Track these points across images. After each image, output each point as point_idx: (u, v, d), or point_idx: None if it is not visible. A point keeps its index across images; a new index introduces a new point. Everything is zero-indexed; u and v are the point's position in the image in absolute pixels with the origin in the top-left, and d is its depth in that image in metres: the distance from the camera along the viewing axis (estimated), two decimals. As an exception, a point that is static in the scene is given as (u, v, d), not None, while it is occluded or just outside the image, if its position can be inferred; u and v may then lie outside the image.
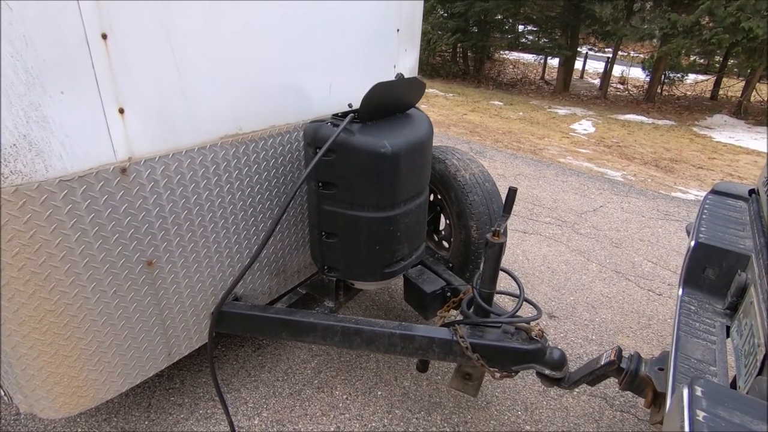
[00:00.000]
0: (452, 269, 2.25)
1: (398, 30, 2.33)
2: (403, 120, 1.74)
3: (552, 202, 4.58)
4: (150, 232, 1.45)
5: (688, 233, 2.26)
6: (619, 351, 1.57)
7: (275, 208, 1.91)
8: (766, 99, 11.84)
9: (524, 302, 1.77)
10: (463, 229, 2.14)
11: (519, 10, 12.26)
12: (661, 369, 1.47)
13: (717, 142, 8.29)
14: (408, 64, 2.54)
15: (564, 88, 12.57)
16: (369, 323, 1.75)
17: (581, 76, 15.36)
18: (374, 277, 1.82)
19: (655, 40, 12.46)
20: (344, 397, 2.13)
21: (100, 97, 1.22)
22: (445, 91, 11.60)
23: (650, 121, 9.70)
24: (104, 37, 1.18)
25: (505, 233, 1.70)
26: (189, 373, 2.20)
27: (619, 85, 13.93)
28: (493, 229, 1.63)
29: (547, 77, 14.66)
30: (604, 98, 12.00)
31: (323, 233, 1.75)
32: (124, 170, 1.32)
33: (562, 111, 10.13)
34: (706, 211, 1.87)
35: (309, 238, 1.95)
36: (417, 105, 1.93)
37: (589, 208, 4.48)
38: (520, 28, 13.85)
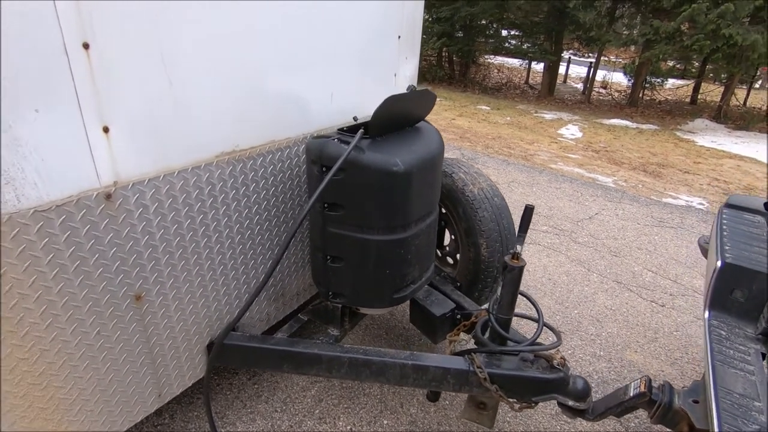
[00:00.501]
0: (460, 288, 2.14)
1: (399, 37, 2.22)
2: (414, 134, 1.62)
3: (548, 209, 4.53)
4: (138, 263, 1.30)
5: (702, 248, 2.20)
6: (649, 381, 1.48)
7: (276, 229, 1.76)
8: (742, 104, 12.15)
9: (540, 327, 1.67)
10: (472, 247, 2.03)
11: (503, 15, 12.33)
12: (695, 401, 1.38)
13: (700, 146, 8.42)
14: (408, 72, 2.43)
15: (549, 92, 12.66)
16: (378, 353, 1.62)
17: (564, 81, 15.53)
18: (383, 303, 1.70)
19: (635, 47, 12.67)
20: (348, 428, 1.99)
21: (81, 114, 1.07)
22: (432, 96, 11.53)
23: (634, 125, 9.82)
24: (86, 46, 1.03)
25: (523, 255, 1.59)
26: (179, 406, 2.03)
27: (602, 90, 14.12)
28: (512, 251, 1.52)
29: (531, 81, 14.78)
30: (588, 102, 12.14)
31: (328, 257, 1.62)
32: (108, 196, 1.17)
33: (548, 116, 10.19)
34: (725, 227, 1.80)
35: (311, 261, 1.81)
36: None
37: (585, 216, 4.43)
38: (504, 33, 13.94)
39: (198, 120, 1.35)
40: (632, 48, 13.46)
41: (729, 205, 1.98)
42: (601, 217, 4.43)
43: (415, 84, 2.53)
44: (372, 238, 1.53)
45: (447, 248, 2.39)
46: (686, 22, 9.02)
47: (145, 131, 1.22)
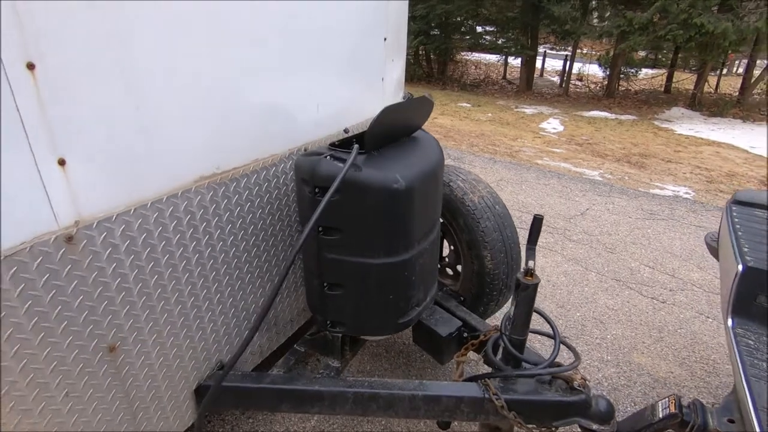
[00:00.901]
0: (464, 303, 2.02)
1: (385, 39, 2.08)
2: (412, 145, 1.49)
3: (539, 207, 4.46)
4: (110, 311, 1.13)
5: (710, 247, 2.12)
6: (678, 400, 1.38)
7: (266, 254, 1.61)
8: (714, 90, 12.42)
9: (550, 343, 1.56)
10: (475, 260, 1.91)
11: (478, 11, 12.31)
12: (731, 421, 1.29)
13: (679, 134, 8.52)
14: (396, 75, 2.29)
15: (527, 87, 12.71)
16: (385, 385, 1.49)
17: (541, 75, 15.64)
18: (387, 330, 1.56)
19: (609, 38, 12.82)
20: (354, 461, 1.85)
21: (29, 146, 0.90)
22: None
23: (613, 116, 9.90)
24: (30, 67, 0.87)
25: (536, 270, 1.48)
26: (167, 451, 1.86)
27: (578, 82, 14.25)
28: (525, 268, 1.41)
29: (509, 77, 14.83)
30: (566, 95, 12.22)
31: (325, 284, 1.47)
32: (70, 238, 1.00)
33: (529, 110, 10.20)
34: (738, 226, 1.72)
35: (305, 287, 1.66)
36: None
37: (577, 212, 4.38)
38: (479, 29, 13.94)
39: (172, 143, 1.19)
40: (605, 40, 13.64)
41: (737, 202, 1.90)
42: (593, 213, 4.38)
43: (403, 88, 2.40)
44: (373, 261, 1.39)
45: (446, 259, 2.27)
46: (658, 12, 9.13)
47: (110, 161, 1.06)
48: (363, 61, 1.94)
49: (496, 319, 2.68)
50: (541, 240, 3.79)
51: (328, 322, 1.55)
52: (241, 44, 1.32)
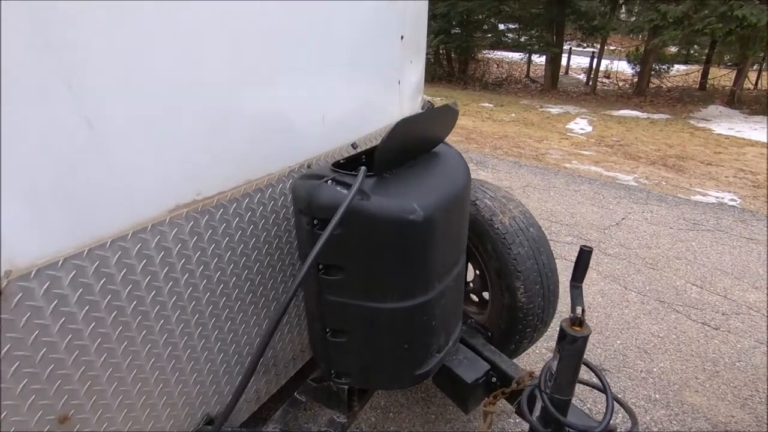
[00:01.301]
0: (492, 339, 1.75)
1: (402, 38, 1.84)
2: (432, 164, 1.24)
3: (569, 216, 4.13)
4: (59, 375, 0.92)
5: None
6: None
7: (261, 288, 1.39)
8: (754, 87, 11.69)
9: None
10: (506, 292, 1.65)
11: (501, 8, 11.92)
12: None
13: (718, 134, 8.00)
14: (414, 78, 2.05)
15: (552, 85, 12.26)
16: (399, 450, 1.24)
17: (566, 72, 15.11)
18: (402, 383, 1.32)
19: (637, 33, 12.25)
20: None
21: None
22: (433, 95, 11.15)
23: (645, 115, 9.40)
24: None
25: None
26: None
27: (605, 80, 13.68)
28: (572, 315, 1.14)
29: (532, 75, 14.36)
30: (593, 94, 11.72)
31: (328, 330, 1.23)
32: (-2, 294, 0.79)
33: (554, 110, 9.78)
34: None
35: (307, 329, 1.43)
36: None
37: (611, 222, 4.04)
38: (501, 26, 13.53)
39: (137, 166, 0.97)
40: (635, 35, 13.06)
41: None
42: (629, 223, 4.03)
43: (422, 92, 2.15)
44: (383, 306, 1.15)
45: (471, 284, 2.00)
46: (694, 5, 8.60)
47: (55, 194, 0.84)
48: (376, 62, 1.71)
49: (529, 358, 2.40)
50: (573, 254, 3.46)
51: (332, 372, 1.31)
52: (228, 46, 1.09)
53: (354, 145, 1.25)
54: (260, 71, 1.21)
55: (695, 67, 13.04)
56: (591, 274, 3.21)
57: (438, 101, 10.53)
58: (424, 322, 1.22)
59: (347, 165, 1.19)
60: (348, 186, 1.04)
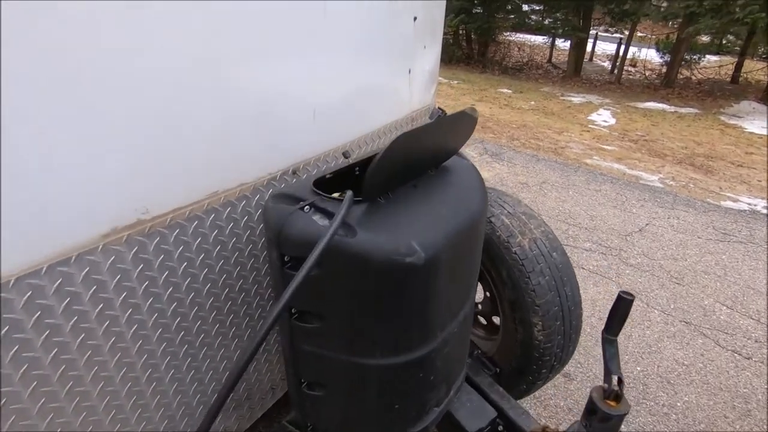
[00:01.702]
0: (500, 375, 1.53)
1: (415, 18, 1.56)
2: (440, 184, 0.99)
3: (589, 219, 3.85)
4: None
5: None
6: None
7: (231, 317, 1.17)
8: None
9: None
10: (520, 326, 1.42)
11: (526, -13, 11.31)
12: None
13: (750, 133, 7.55)
14: (428, 66, 1.78)
15: (575, 72, 11.72)
16: None
17: (590, 59, 14.45)
18: (392, 443, 1.10)
19: (670, 20, 11.58)
20: None
21: None
22: (449, 78, 10.73)
23: (672, 109, 8.91)
24: None
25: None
26: None
27: (630, 68, 13.05)
28: (606, 387, 0.91)
29: (554, 60, 13.76)
30: (618, 83, 11.17)
31: (303, 381, 1.02)
32: None
33: (576, 99, 9.33)
34: None
35: (285, 376, 1.22)
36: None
37: (634, 228, 3.75)
38: (525, 7, 12.89)
39: (53, 180, 0.74)
40: (667, 22, 12.37)
41: None
42: (654, 229, 3.74)
43: (436, 82, 1.88)
44: (372, 362, 0.92)
45: (479, 306, 1.77)
46: (736, -9, 8.00)
47: None
48: (382, 46, 1.44)
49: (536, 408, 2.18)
50: (592, 263, 3.22)
51: (309, 426, 1.10)
52: (186, 18, 0.84)
53: (346, 154, 1.01)
54: (230, 52, 0.96)
55: (728, 58, 12.35)
56: (609, 287, 2.96)
57: (455, 84, 10.13)
58: (420, 379, 0.99)
59: (334, 181, 0.95)
60: (329, 215, 0.80)
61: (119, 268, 0.88)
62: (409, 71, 1.66)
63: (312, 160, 1.27)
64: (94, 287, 0.85)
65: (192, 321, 1.08)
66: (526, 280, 1.36)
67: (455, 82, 10.45)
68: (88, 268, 0.83)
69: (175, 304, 1.02)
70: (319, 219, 0.80)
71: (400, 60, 1.58)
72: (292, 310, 0.91)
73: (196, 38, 0.88)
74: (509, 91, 9.75)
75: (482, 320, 1.80)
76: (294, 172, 1.23)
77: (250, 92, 1.03)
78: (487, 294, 1.66)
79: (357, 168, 1.03)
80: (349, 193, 0.80)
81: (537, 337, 1.39)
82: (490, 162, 5.12)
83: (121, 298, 0.90)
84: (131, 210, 0.88)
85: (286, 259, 0.84)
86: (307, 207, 0.83)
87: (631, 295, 1.01)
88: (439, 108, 1.18)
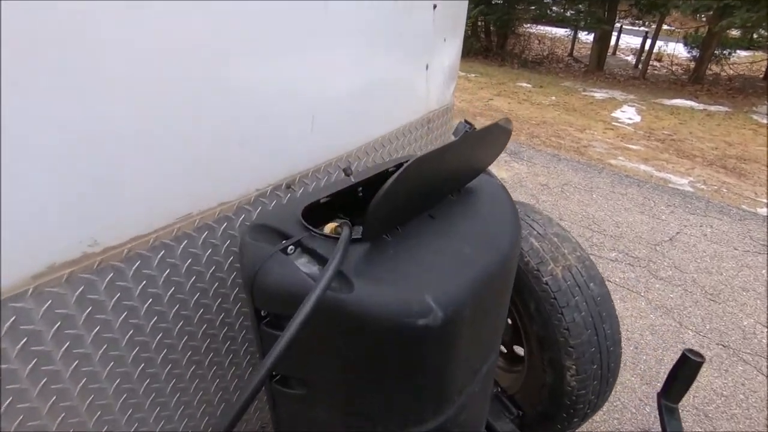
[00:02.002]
0: (522, 419, 1.34)
1: (435, 7, 1.36)
2: (462, 213, 0.79)
3: (614, 226, 3.60)
4: None
5: None
6: None
7: (201, 362, 0.99)
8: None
9: None
10: (549, 367, 1.22)
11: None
12: None
13: (785, 134, 7.12)
14: (447, 60, 1.57)
15: (598, 66, 11.29)
16: None
17: (614, 53, 13.94)
18: None
19: (699, 13, 11.04)
20: None
21: None
22: (467, 71, 10.41)
23: (701, 106, 8.49)
24: None
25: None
26: None
27: (656, 63, 12.54)
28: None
29: (576, 54, 13.30)
30: (642, 78, 10.73)
31: (289, 448, 0.84)
32: None
33: (599, 94, 8.96)
34: None
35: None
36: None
37: (664, 236, 3.49)
38: (547, -2, 12.45)
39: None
40: (698, 15, 11.81)
41: None
42: (685, 239, 3.48)
43: (456, 79, 1.68)
44: (372, 437, 0.73)
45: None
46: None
47: None
48: (396, 38, 1.24)
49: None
50: (618, 275, 2.98)
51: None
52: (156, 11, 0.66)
53: (347, 171, 0.81)
54: (215, 47, 0.77)
55: (760, 54, 11.76)
56: (638, 303, 2.73)
57: (472, 77, 9.83)
58: (432, 452, 0.80)
59: (330, 207, 0.75)
60: (320, 260, 0.61)
61: (56, 315, 0.70)
62: (427, 67, 1.45)
63: (310, 171, 1.08)
64: (25, 339, 0.67)
65: (160, 366, 0.90)
66: (558, 317, 1.15)
67: (473, 75, 10.14)
68: (13, 317, 0.65)
69: (138, 348, 0.85)
70: (305, 265, 0.61)
71: (417, 54, 1.38)
72: (273, 375, 0.73)
73: (170, 39, 0.69)
74: (529, 86, 9.41)
75: (502, 348, 1.60)
76: (288, 187, 1.04)
77: (233, 90, 0.84)
78: (510, 322, 1.46)
79: (360, 190, 0.84)
80: (345, 232, 0.61)
81: (569, 382, 1.19)
82: (509, 161, 4.88)
83: (61, 352, 0.72)
84: (76, 242, 0.70)
85: (262, 314, 0.66)
86: (293, 247, 0.64)
87: (701, 356, 0.80)
88: (465, 121, 0.96)
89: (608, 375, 1.24)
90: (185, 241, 0.86)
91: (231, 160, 0.89)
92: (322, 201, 0.77)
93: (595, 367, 1.19)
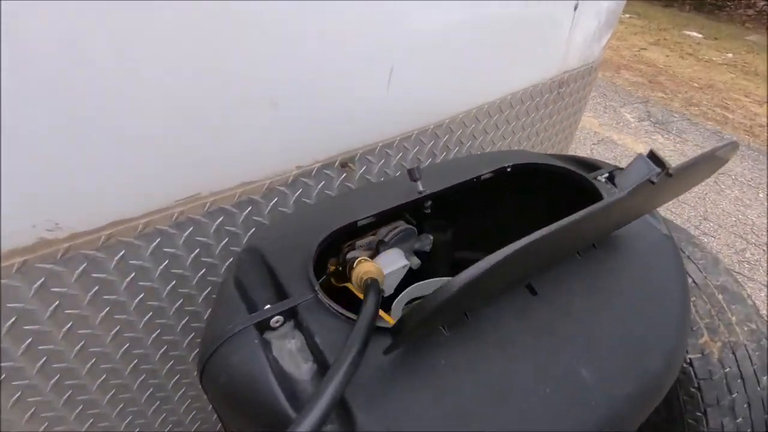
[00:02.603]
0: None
1: None
2: (584, 291, 0.45)
3: (783, 243, 2.78)
4: None
5: None
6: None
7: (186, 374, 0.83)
8: None
9: None
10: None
11: None
12: None
13: None
14: (606, 1, 1.10)
15: (806, 18, 8.69)
16: None
17: (835, 1, 10.60)
18: None
19: None
20: None
21: None
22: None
23: None
24: None
25: None
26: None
27: None
28: None
29: (777, -2, 10.36)
30: None
31: None
32: None
33: (797, 57, 6.94)
34: None
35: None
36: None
37: None
38: None
39: None
40: None
41: None
42: None
43: (615, 27, 1.22)
44: None
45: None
46: None
47: None
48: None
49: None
50: (772, 308, 2.30)
51: None
52: None
53: (413, 174, 0.50)
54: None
55: None
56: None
57: (625, 19, 8.21)
58: None
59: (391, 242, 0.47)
60: (317, 357, 0.35)
61: (12, 309, 0.55)
62: (576, 7, 1.01)
63: (378, 146, 0.79)
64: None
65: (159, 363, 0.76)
66: (697, 416, 0.78)
67: (626, 15, 8.44)
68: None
69: (128, 345, 0.69)
70: (289, 363, 0.35)
71: (553, 17, 0.95)
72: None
73: None
74: (699, 35, 7.60)
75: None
76: (344, 165, 0.77)
77: (278, 33, 0.56)
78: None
79: (428, 203, 0.53)
80: (367, 311, 0.33)
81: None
82: (651, 132, 4.01)
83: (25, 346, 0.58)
84: (28, 226, 0.52)
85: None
86: (272, 326, 0.37)
87: None
88: (651, 154, 0.52)
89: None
90: (190, 228, 0.65)
91: (258, 125, 0.64)
92: (359, 224, 0.49)
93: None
